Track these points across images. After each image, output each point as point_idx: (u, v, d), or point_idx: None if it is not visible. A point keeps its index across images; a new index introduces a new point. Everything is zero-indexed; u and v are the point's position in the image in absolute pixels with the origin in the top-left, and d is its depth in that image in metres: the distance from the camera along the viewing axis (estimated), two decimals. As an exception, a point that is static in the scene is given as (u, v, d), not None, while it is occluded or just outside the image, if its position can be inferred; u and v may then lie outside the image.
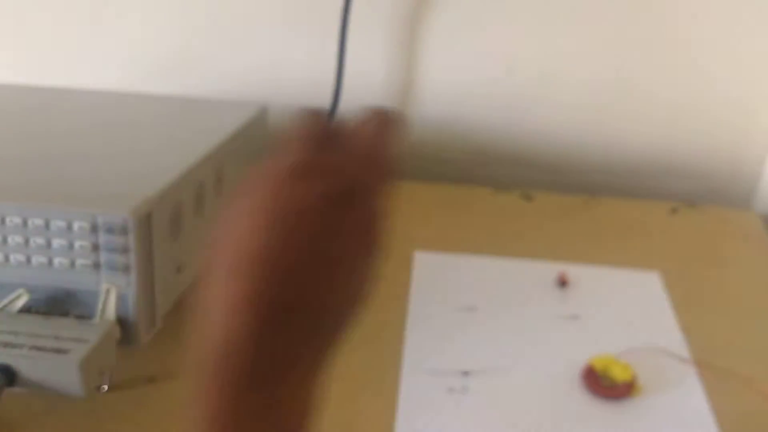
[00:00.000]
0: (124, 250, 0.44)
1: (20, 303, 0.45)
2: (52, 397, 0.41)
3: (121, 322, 0.45)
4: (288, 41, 0.82)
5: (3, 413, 0.45)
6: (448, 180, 0.83)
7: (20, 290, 0.45)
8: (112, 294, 0.44)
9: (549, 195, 0.80)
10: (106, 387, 0.46)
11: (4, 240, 0.45)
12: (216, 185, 0.56)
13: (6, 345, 0.41)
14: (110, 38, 0.82)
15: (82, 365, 0.40)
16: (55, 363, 0.40)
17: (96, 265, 0.44)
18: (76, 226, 0.44)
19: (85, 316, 0.45)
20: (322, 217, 0.29)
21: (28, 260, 0.45)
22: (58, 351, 0.40)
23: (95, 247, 0.44)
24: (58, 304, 0.46)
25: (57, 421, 0.45)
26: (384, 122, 0.34)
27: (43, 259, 0.45)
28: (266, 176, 0.29)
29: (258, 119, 0.67)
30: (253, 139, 0.65)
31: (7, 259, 0.45)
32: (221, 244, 0.28)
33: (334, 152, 0.32)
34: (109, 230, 0.43)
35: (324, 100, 0.79)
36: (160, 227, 0.46)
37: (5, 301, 0.45)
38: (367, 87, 0.81)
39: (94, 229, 0.44)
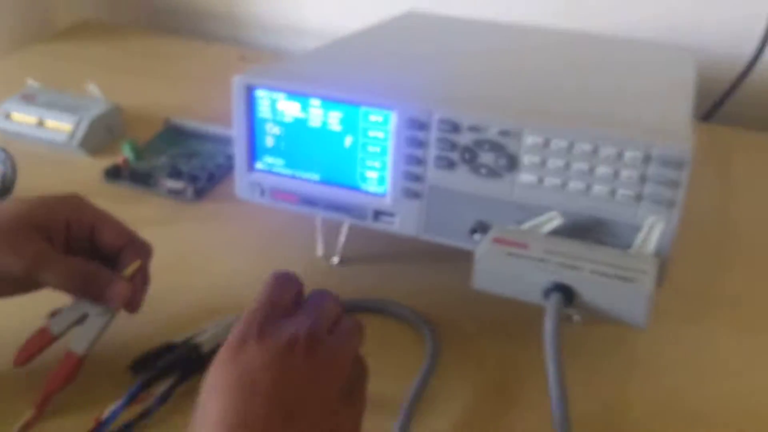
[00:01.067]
0: (674, 185, 0.43)
1: (552, 225, 0.45)
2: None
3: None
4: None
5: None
6: None
7: (553, 213, 0.46)
8: (656, 228, 0.43)
9: None
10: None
11: (543, 162, 0.45)
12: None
13: (563, 265, 0.42)
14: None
15: (650, 296, 0.39)
16: (623, 290, 0.40)
17: (638, 197, 0.44)
18: (627, 155, 0.43)
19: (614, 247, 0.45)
20: (276, 371, 0.33)
21: (564, 185, 0.45)
22: (623, 278, 0.40)
23: (643, 178, 0.43)
24: (584, 232, 0.46)
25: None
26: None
27: (580, 185, 0.45)
28: (228, 346, 0.34)
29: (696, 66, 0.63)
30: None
31: (541, 181, 0.46)
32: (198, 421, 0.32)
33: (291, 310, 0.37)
34: (664, 163, 0.42)
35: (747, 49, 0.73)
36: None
37: (537, 221, 0.46)
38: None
39: (647, 159, 0.43)
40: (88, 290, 0.44)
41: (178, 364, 0.45)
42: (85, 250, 0.46)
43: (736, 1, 0.80)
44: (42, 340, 0.43)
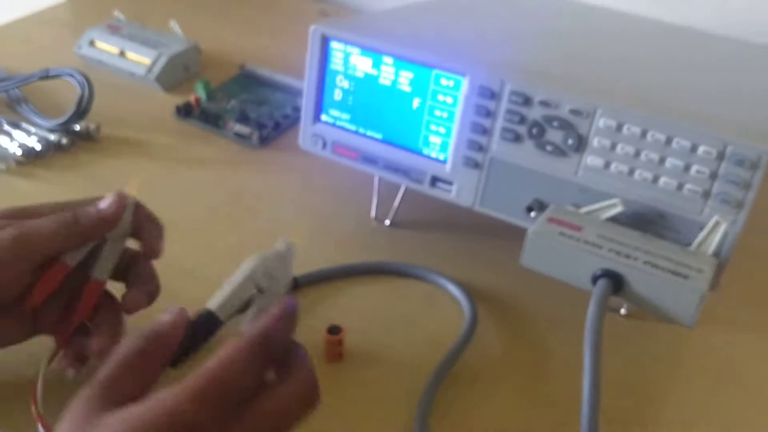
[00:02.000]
0: (746, 186, 0.41)
1: (611, 212, 0.44)
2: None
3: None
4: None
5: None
6: None
7: (615, 200, 0.44)
8: (720, 228, 0.42)
9: None
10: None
11: (613, 147, 0.44)
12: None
13: (617, 252, 0.41)
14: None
15: (704, 295, 0.38)
16: (676, 286, 0.39)
17: (706, 194, 0.42)
18: (701, 149, 0.41)
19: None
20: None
21: (631, 172, 0.44)
22: (677, 274, 0.39)
23: (713, 175, 0.42)
24: (644, 223, 0.45)
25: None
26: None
27: (648, 175, 0.43)
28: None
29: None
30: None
31: (608, 166, 0.45)
32: None
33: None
34: (739, 162, 0.41)
35: None
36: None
37: (598, 206, 0.45)
38: None
39: (720, 156, 0.41)
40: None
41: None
42: None
43: None
44: (59, 272, 0.41)
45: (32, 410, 0.38)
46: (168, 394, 0.29)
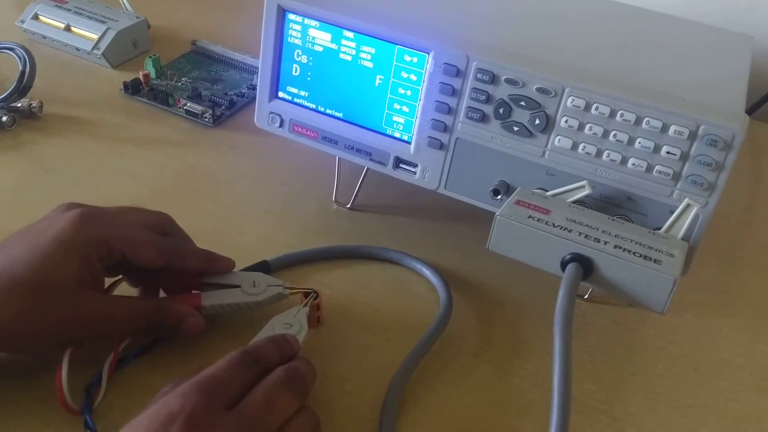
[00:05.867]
0: (718, 168, 0.40)
1: (579, 195, 0.43)
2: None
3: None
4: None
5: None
6: None
7: (583, 182, 0.43)
8: (691, 211, 0.41)
9: None
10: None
11: (581, 127, 0.43)
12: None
13: (586, 236, 0.39)
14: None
15: (676, 281, 0.37)
16: (647, 272, 0.37)
17: (676, 176, 0.41)
18: (672, 129, 0.40)
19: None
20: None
21: (599, 154, 0.43)
22: (648, 259, 0.38)
23: (684, 157, 0.41)
24: (613, 206, 0.43)
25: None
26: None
27: (617, 156, 0.42)
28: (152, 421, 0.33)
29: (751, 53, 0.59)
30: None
31: (575, 147, 0.43)
32: None
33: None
34: (711, 142, 0.40)
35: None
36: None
37: (566, 188, 0.43)
38: None
39: (692, 136, 0.40)
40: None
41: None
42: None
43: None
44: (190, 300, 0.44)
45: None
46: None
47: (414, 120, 0.48)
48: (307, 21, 0.48)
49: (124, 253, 0.41)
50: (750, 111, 0.80)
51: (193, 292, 0.44)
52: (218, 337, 0.44)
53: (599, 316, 0.49)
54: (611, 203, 0.43)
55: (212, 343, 0.44)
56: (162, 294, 0.45)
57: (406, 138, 0.48)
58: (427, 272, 0.50)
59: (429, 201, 0.55)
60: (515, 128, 0.45)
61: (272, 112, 0.51)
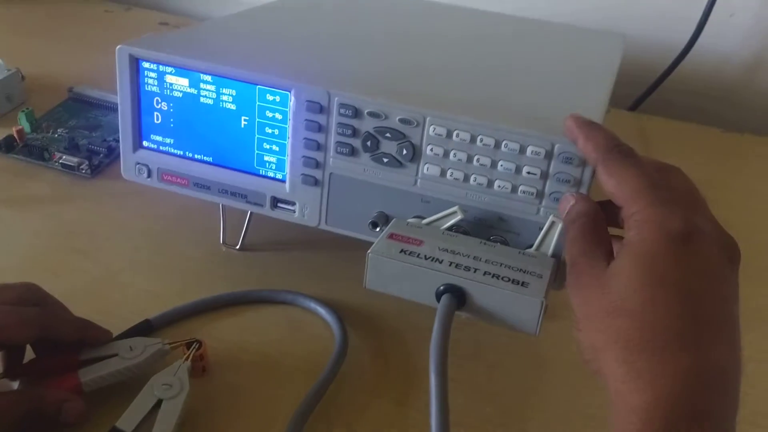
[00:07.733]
0: (577, 183, 0.40)
1: (453, 220, 0.43)
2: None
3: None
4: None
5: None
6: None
7: (455, 207, 0.43)
8: (556, 228, 0.41)
9: None
10: None
11: (446, 154, 0.42)
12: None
13: (457, 265, 0.39)
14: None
15: (543, 303, 0.37)
16: (515, 297, 0.37)
17: (539, 194, 0.41)
18: (529, 150, 0.40)
19: (510, 245, 0.42)
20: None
21: (466, 179, 0.42)
22: (516, 282, 0.38)
23: (544, 175, 0.41)
24: (487, 229, 0.43)
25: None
26: None
27: (483, 180, 0.42)
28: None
29: (623, 50, 0.61)
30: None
31: (444, 174, 0.43)
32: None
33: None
34: (567, 159, 0.40)
35: (683, 37, 0.71)
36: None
37: (440, 215, 0.43)
38: (735, 28, 0.71)
39: (549, 155, 0.40)
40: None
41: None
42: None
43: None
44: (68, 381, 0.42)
45: None
46: None
47: (286, 158, 0.47)
48: (162, 68, 0.47)
49: None
50: (634, 106, 0.82)
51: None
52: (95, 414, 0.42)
53: (497, 333, 0.49)
54: (485, 225, 0.43)
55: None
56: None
57: (280, 177, 0.47)
58: (321, 311, 0.49)
59: (318, 234, 0.54)
60: (385, 159, 0.44)
61: (138, 163, 0.50)
